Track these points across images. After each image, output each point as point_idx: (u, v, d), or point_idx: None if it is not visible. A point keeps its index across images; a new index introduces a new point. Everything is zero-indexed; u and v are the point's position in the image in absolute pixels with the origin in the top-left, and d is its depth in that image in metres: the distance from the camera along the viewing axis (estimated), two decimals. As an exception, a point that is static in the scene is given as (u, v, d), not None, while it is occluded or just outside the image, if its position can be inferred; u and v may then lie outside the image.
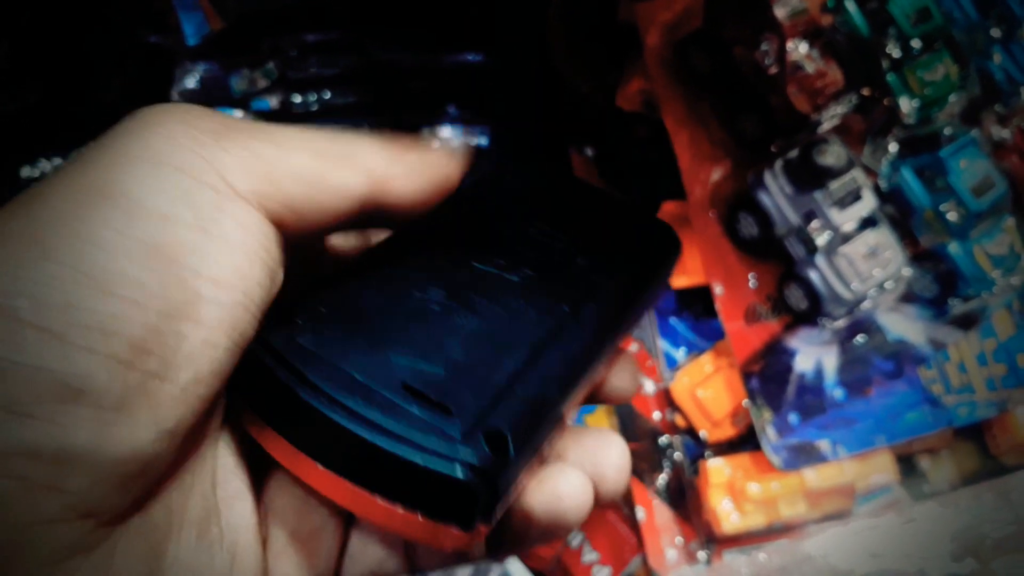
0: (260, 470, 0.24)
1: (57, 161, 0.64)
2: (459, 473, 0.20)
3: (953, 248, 0.47)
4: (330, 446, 0.20)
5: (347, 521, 0.25)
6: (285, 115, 0.62)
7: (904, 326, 0.49)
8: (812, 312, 0.49)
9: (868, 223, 0.47)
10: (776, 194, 0.47)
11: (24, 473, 0.15)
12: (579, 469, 0.23)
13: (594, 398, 0.28)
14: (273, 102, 0.61)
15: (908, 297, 0.49)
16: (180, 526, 0.20)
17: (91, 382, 0.16)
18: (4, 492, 0.15)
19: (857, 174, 0.47)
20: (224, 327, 0.18)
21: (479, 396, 0.21)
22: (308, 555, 0.23)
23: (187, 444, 0.20)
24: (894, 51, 0.47)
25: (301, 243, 0.21)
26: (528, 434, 0.22)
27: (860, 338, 0.49)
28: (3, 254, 0.16)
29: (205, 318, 0.18)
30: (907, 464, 0.53)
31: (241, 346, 0.19)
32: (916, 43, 0.47)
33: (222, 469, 0.22)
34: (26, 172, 0.63)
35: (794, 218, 0.47)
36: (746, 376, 0.49)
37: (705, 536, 0.51)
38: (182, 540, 0.20)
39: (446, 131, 0.67)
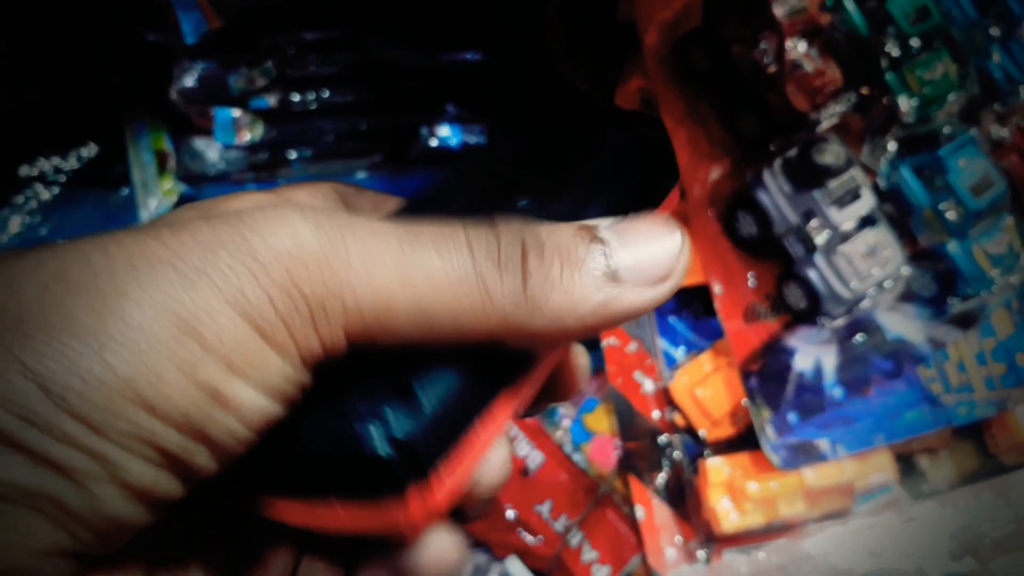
0: None
1: (56, 160, 0.64)
2: (366, 445, 0.20)
3: (952, 247, 0.47)
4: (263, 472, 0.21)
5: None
6: (283, 113, 0.62)
7: (903, 325, 0.49)
8: (811, 311, 0.49)
9: (867, 222, 0.47)
10: (775, 193, 0.47)
11: (44, 509, 0.17)
12: None
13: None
14: (272, 100, 0.61)
15: (907, 296, 0.49)
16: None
17: (121, 471, 0.18)
18: (22, 517, 0.17)
19: (856, 173, 0.47)
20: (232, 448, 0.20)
21: (387, 363, 0.21)
22: None
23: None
24: (893, 50, 0.47)
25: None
26: (445, 388, 0.21)
27: (859, 337, 0.49)
28: (63, 341, 0.17)
29: (228, 447, 0.20)
30: (906, 463, 0.53)
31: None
32: (915, 42, 0.47)
33: None
34: (25, 171, 0.63)
35: (793, 217, 0.47)
36: (745, 375, 0.49)
37: (704, 535, 0.51)
38: None
39: (444, 129, 0.67)
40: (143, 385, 0.17)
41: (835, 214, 0.46)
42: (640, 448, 0.53)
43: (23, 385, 0.16)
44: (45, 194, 0.63)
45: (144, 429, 0.18)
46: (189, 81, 0.60)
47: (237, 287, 0.18)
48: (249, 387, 0.19)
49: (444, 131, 0.66)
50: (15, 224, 0.61)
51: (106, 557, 0.19)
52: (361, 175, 0.67)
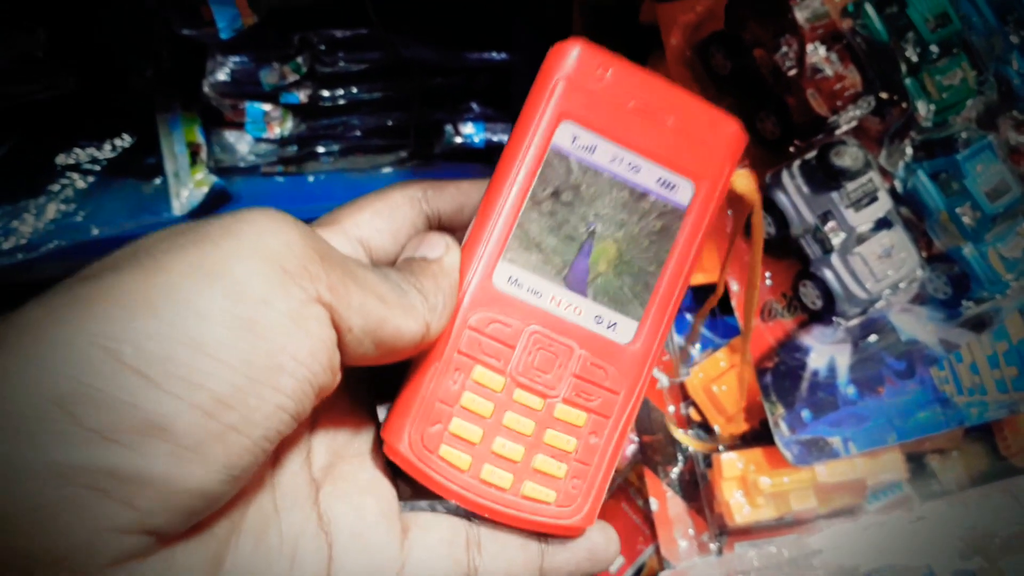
0: (315, 479, 0.27)
1: (92, 150, 0.66)
2: None
3: (967, 251, 0.48)
4: None
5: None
6: (313, 109, 0.64)
7: (917, 327, 0.50)
8: (826, 311, 0.49)
9: (883, 224, 0.48)
10: (793, 194, 0.48)
11: (104, 487, 0.18)
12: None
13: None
14: (302, 96, 0.62)
15: (921, 298, 0.50)
16: (238, 536, 0.23)
17: (174, 423, 0.19)
18: (85, 499, 0.18)
19: (873, 176, 0.47)
20: (295, 398, 0.22)
21: None
22: (369, 554, 0.26)
23: (250, 481, 0.23)
24: (912, 55, 0.48)
25: (352, 362, 0.24)
26: None
27: (873, 337, 0.50)
28: (117, 308, 0.19)
29: (282, 387, 0.21)
30: (917, 463, 0.54)
31: (300, 418, 0.22)
32: (934, 48, 0.47)
33: (280, 484, 0.25)
34: (61, 160, 0.64)
35: (810, 218, 0.48)
36: (760, 372, 0.50)
37: (717, 528, 0.52)
38: (239, 548, 0.23)
39: (468, 127, 0.68)
40: (193, 331, 0.19)
41: (852, 216, 0.47)
42: (655, 442, 0.54)
43: (87, 350, 0.18)
44: (80, 183, 0.64)
45: (196, 370, 0.19)
46: (222, 75, 0.62)
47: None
48: (280, 312, 0.21)
49: (468, 128, 0.68)
50: (51, 211, 0.63)
51: (182, 533, 0.21)
52: (387, 170, 0.68)
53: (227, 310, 0.20)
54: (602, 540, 0.29)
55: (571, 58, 0.28)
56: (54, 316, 0.19)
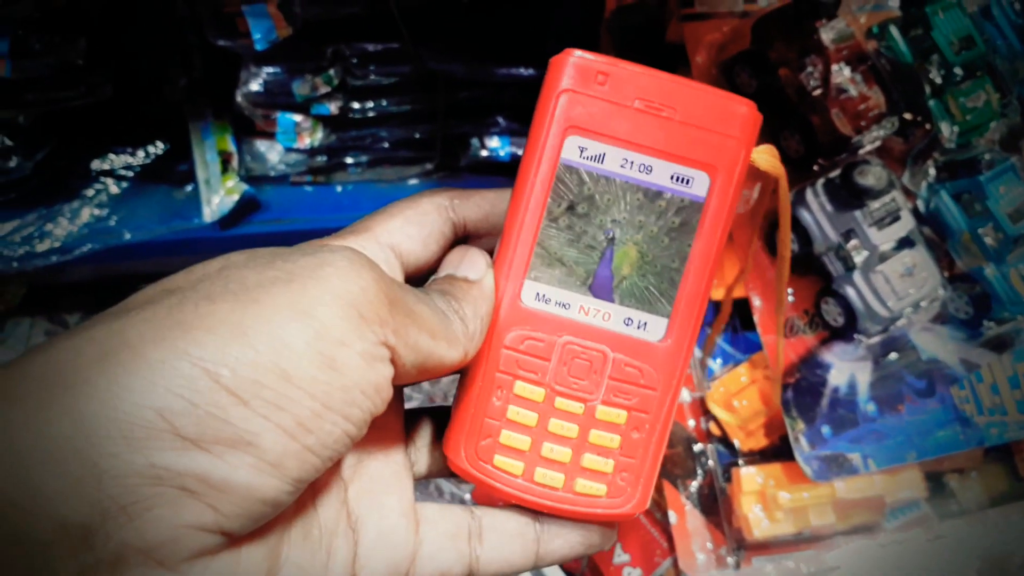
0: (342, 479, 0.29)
1: (126, 156, 0.67)
2: None
3: (989, 271, 0.48)
4: None
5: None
6: (343, 120, 0.65)
7: (937, 346, 0.51)
8: (848, 328, 0.50)
9: (906, 243, 0.48)
10: (816, 212, 0.49)
11: (193, 489, 0.20)
12: None
13: None
14: (333, 107, 0.63)
15: (942, 317, 0.50)
16: (289, 533, 0.25)
17: (259, 439, 0.21)
18: (176, 499, 0.20)
19: (897, 195, 0.48)
20: (359, 426, 0.24)
21: None
22: (390, 549, 0.28)
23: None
24: (936, 77, 0.48)
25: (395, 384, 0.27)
26: None
27: (893, 355, 0.51)
28: (215, 335, 0.21)
29: (352, 417, 0.23)
30: (936, 482, 0.54)
31: (357, 441, 0.25)
32: (958, 70, 0.48)
33: (317, 482, 0.27)
34: (96, 165, 0.66)
35: (833, 236, 0.49)
36: (782, 388, 0.50)
37: (735, 541, 0.52)
38: (291, 544, 0.25)
39: (494, 140, 0.69)
40: (282, 361, 0.22)
41: (875, 234, 0.48)
42: (675, 455, 0.54)
43: (188, 369, 0.20)
44: (114, 188, 0.66)
45: (282, 396, 0.22)
46: (255, 85, 0.63)
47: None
48: (355, 353, 0.23)
49: (494, 142, 0.69)
50: (85, 215, 0.64)
51: (247, 535, 0.23)
52: (413, 182, 0.69)
53: (311, 346, 0.22)
54: (596, 526, 0.31)
55: (568, 70, 0.28)
56: (156, 336, 0.21)
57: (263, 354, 0.21)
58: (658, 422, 0.30)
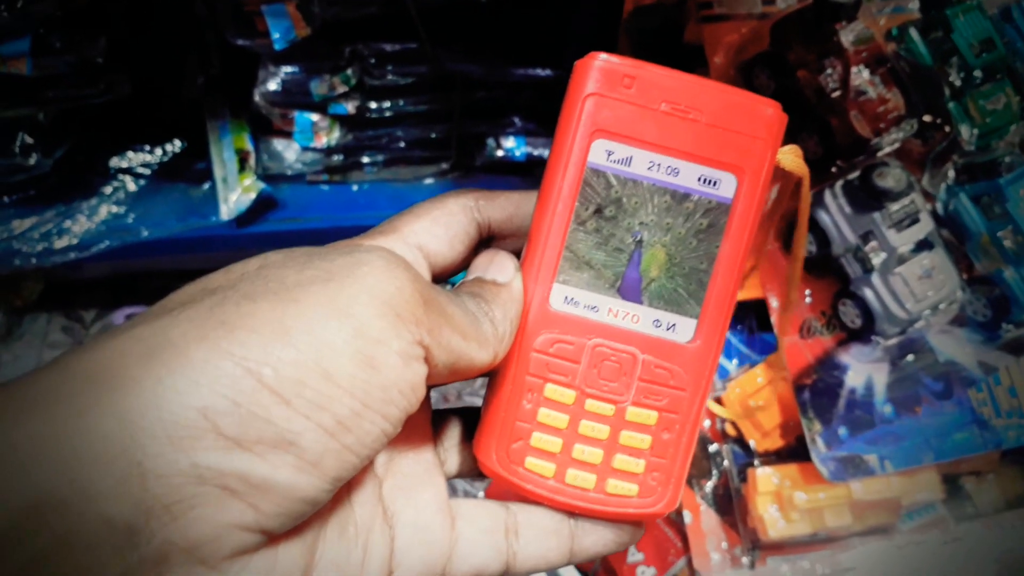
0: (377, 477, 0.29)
1: (144, 154, 0.67)
2: None
3: (1008, 274, 0.48)
4: None
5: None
6: (360, 120, 0.65)
7: (955, 348, 0.51)
8: (865, 329, 0.50)
9: (924, 246, 0.48)
10: (835, 213, 0.49)
11: (235, 488, 0.21)
12: None
13: None
14: (350, 107, 0.64)
15: (961, 320, 0.50)
16: (325, 530, 0.25)
17: (300, 439, 0.22)
18: (218, 498, 0.20)
19: (916, 197, 0.48)
20: (396, 424, 0.24)
21: None
22: (426, 545, 0.28)
23: None
24: (956, 80, 0.48)
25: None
26: None
27: (911, 357, 0.51)
28: (257, 335, 0.21)
29: (389, 416, 0.24)
30: (952, 484, 0.54)
31: (392, 438, 0.25)
32: (978, 73, 0.48)
33: (353, 480, 0.27)
34: (114, 163, 0.66)
35: (852, 237, 0.49)
36: (798, 389, 0.51)
37: (750, 541, 0.52)
38: (327, 542, 0.25)
39: (510, 141, 0.70)
40: (324, 360, 0.22)
41: (893, 236, 0.48)
42: (690, 455, 0.54)
43: (231, 369, 0.21)
44: (132, 185, 0.66)
45: (323, 395, 0.22)
46: (273, 85, 0.63)
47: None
48: (393, 352, 0.23)
49: (510, 143, 0.69)
50: (103, 212, 0.65)
51: (285, 533, 0.23)
52: (428, 181, 0.70)
53: (351, 344, 0.22)
54: (628, 524, 0.32)
55: (594, 74, 0.28)
56: (199, 335, 0.21)
57: (304, 353, 0.22)
58: (688, 422, 0.30)
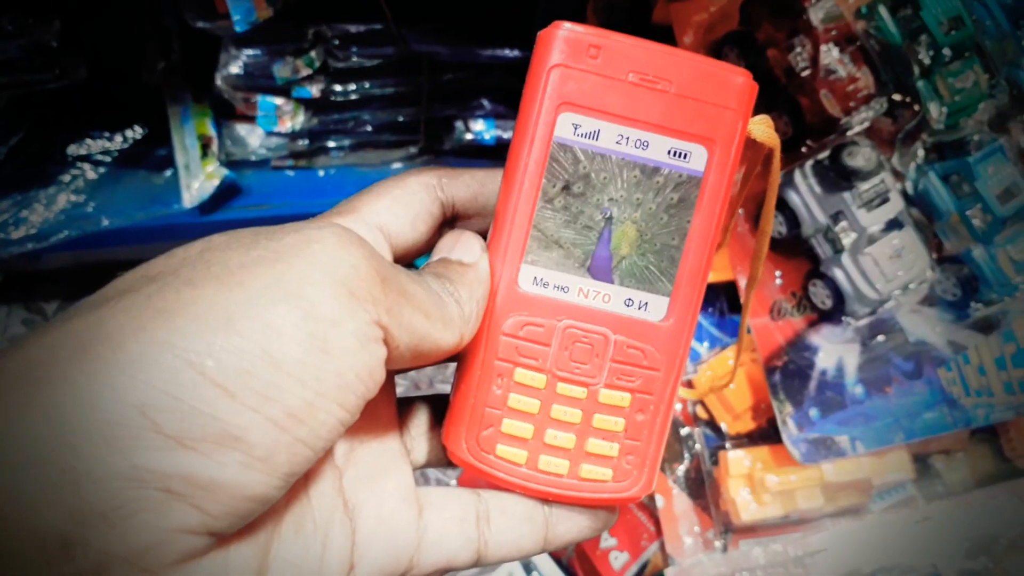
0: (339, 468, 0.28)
1: (103, 141, 0.66)
2: None
3: (977, 253, 0.48)
4: None
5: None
6: (325, 103, 0.64)
7: (925, 328, 0.51)
8: (836, 310, 0.50)
9: (894, 225, 0.48)
10: (805, 193, 0.48)
11: (178, 491, 0.19)
12: None
13: None
14: (314, 90, 0.62)
15: (930, 299, 0.50)
16: (280, 528, 0.24)
17: (247, 434, 0.20)
18: (160, 501, 0.19)
19: (886, 177, 0.48)
20: (353, 413, 0.23)
21: None
22: (390, 536, 0.27)
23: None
24: (925, 58, 0.48)
25: (388, 368, 0.26)
26: None
27: (881, 337, 0.51)
28: (199, 323, 0.20)
29: (346, 404, 0.22)
30: (922, 463, 0.54)
31: (349, 427, 0.23)
32: (947, 51, 0.48)
33: (310, 472, 0.26)
34: (72, 150, 0.64)
35: (822, 218, 0.48)
36: (769, 371, 0.50)
37: (723, 525, 0.52)
38: (282, 539, 0.24)
39: (479, 124, 0.69)
40: (271, 345, 0.20)
41: (863, 216, 0.47)
42: (663, 439, 0.54)
43: (171, 362, 0.19)
44: (91, 173, 0.64)
45: (272, 385, 0.20)
46: (235, 68, 0.62)
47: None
48: (348, 333, 0.22)
49: (479, 125, 0.68)
50: (62, 201, 0.63)
51: (235, 533, 0.22)
52: (396, 165, 0.68)
53: (300, 328, 0.21)
54: (602, 509, 0.31)
55: (558, 44, 0.27)
56: (137, 326, 0.20)
57: (249, 340, 0.20)
58: (662, 403, 0.29)
